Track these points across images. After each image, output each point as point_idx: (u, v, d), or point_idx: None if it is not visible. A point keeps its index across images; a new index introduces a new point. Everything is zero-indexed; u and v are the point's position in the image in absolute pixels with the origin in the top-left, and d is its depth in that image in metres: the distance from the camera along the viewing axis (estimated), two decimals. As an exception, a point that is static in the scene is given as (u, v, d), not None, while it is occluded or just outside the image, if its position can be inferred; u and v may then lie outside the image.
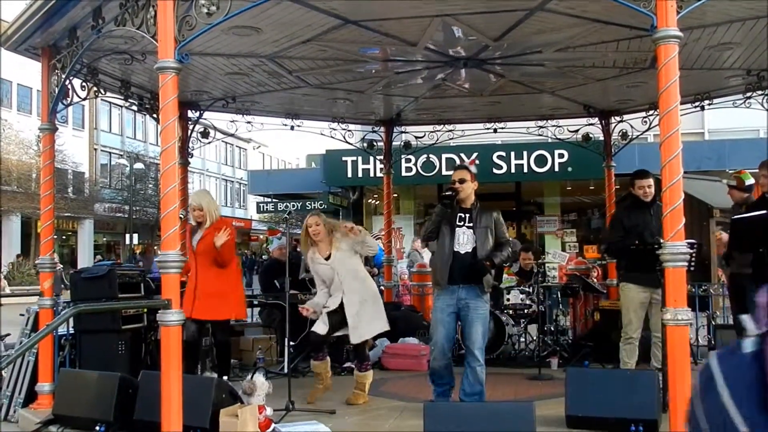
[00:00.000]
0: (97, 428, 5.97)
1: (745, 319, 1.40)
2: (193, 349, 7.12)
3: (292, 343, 7.52)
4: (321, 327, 7.07)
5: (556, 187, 22.27)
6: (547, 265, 13.60)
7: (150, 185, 44.69)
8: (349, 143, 12.06)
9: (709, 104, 10.22)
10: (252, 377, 6.01)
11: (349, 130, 11.80)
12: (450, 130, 12.09)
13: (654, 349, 7.31)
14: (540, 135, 12.26)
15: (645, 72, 8.68)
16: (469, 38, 7.62)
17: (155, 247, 25.74)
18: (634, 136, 11.34)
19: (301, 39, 7.45)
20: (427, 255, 12.64)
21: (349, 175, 20.98)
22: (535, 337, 9.84)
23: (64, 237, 42.02)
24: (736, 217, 6.66)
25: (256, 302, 10.73)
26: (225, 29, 6.71)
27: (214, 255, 7.34)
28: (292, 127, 11.31)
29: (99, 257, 38.71)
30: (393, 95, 10.47)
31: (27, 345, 6.08)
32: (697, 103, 10.12)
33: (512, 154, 19.65)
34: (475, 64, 8.50)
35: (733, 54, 8.16)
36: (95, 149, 45.78)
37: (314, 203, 23.34)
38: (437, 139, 12.22)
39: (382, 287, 12.14)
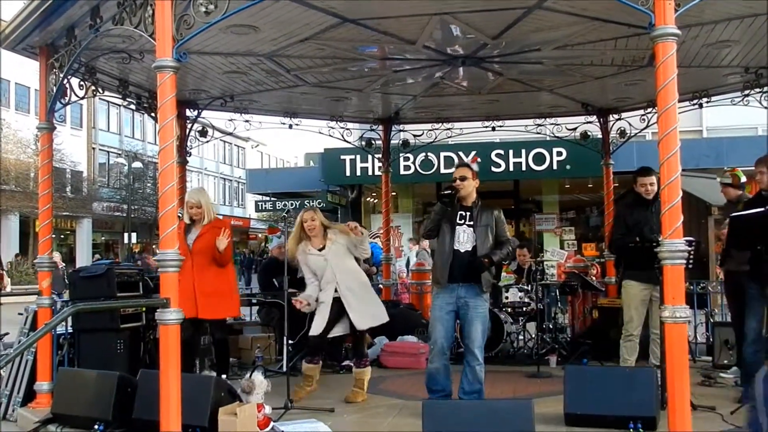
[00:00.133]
0: (96, 427, 5.96)
1: None
2: (190, 348, 7.12)
3: (290, 341, 7.52)
4: (318, 325, 7.06)
5: (554, 185, 22.28)
6: (545, 263, 13.60)
7: (148, 184, 44.69)
8: (347, 142, 12.06)
9: (708, 102, 10.23)
10: (251, 376, 6.00)
11: (347, 129, 11.80)
12: (448, 129, 12.10)
13: (653, 346, 7.32)
14: (538, 133, 12.25)
15: (643, 70, 8.69)
16: (468, 36, 7.62)
17: (153, 246, 25.75)
18: (632, 134, 11.35)
19: (300, 37, 7.45)
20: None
21: (348, 173, 20.98)
22: (533, 335, 9.85)
23: (62, 236, 42.01)
24: (734, 214, 6.66)
25: (254, 301, 10.72)
26: (223, 28, 6.71)
27: (214, 254, 7.35)
28: (290, 126, 11.32)
29: (97, 256, 38.64)
30: (391, 94, 10.47)
31: (26, 344, 6.06)
32: (695, 101, 10.13)
33: (511, 152, 19.66)
34: (474, 63, 8.50)
35: (731, 52, 8.16)
36: (93, 148, 45.75)
37: (313, 202, 23.33)
38: (435, 138, 12.23)
39: (380, 286, 12.16)
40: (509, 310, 9.94)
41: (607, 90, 10.11)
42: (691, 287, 9.39)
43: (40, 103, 7.42)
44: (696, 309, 9.55)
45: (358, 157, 20.21)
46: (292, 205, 24.57)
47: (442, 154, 19.67)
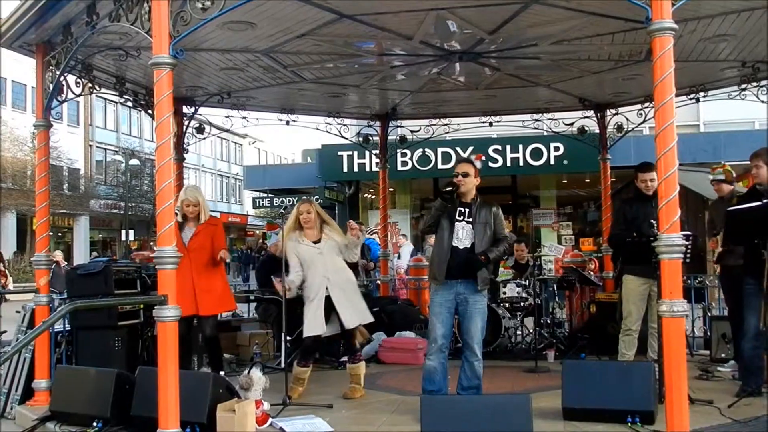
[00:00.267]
0: (94, 424, 5.96)
1: None
2: (187, 345, 7.13)
3: (288, 338, 7.52)
4: (313, 325, 7.04)
5: (551, 180, 22.31)
6: (543, 258, 13.60)
7: (145, 181, 44.65)
8: (344, 138, 12.06)
9: (705, 96, 10.23)
10: (249, 372, 6.02)
11: (344, 125, 11.79)
12: (446, 124, 12.09)
13: (651, 339, 7.32)
14: (535, 128, 12.27)
15: (640, 64, 8.69)
16: (465, 32, 7.62)
17: (151, 243, 25.74)
18: (629, 129, 11.35)
19: (296, 34, 7.44)
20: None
21: (345, 169, 20.98)
22: (531, 330, 9.87)
23: (59, 234, 41.96)
24: (732, 208, 6.65)
25: (252, 297, 10.73)
26: (219, 24, 6.71)
27: (210, 252, 7.49)
28: (287, 122, 11.33)
29: (95, 254, 38.63)
30: (388, 89, 10.47)
31: (23, 342, 6.09)
32: (692, 96, 10.13)
33: (508, 147, 19.67)
34: (471, 58, 8.50)
35: (728, 46, 8.16)
36: (90, 145, 45.70)
37: (310, 198, 23.30)
38: (433, 133, 12.22)
39: (378, 281, 12.17)
40: (507, 305, 9.94)
41: (605, 85, 10.12)
42: (689, 281, 9.40)
43: (36, 100, 7.41)
44: (693, 303, 9.57)
45: (356, 153, 20.20)
46: (289, 201, 24.57)
47: (440, 150, 19.67)
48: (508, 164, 19.81)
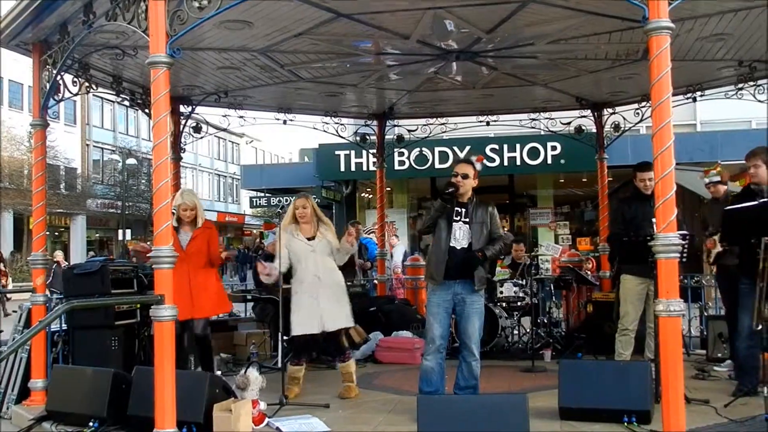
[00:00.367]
0: (91, 424, 5.95)
1: None
2: (180, 345, 7.15)
3: (285, 337, 7.51)
4: (303, 324, 7.06)
5: (549, 179, 22.31)
6: (540, 257, 13.61)
7: (142, 180, 44.64)
8: (341, 137, 12.06)
9: (701, 96, 10.23)
10: (245, 372, 6.01)
11: (341, 124, 11.79)
12: (443, 124, 12.09)
13: (648, 339, 7.33)
14: (533, 127, 12.26)
15: (637, 63, 8.69)
16: (462, 31, 7.61)
17: (148, 242, 25.72)
18: (626, 128, 11.35)
19: (293, 33, 7.44)
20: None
21: (342, 168, 20.97)
22: (528, 330, 9.87)
23: (56, 233, 41.89)
24: (728, 208, 6.65)
25: (249, 297, 10.72)
26: (216, 23, 6.70)
27: (207, 256, 7.60)
28: (284, 122, 11.33)
29: (92, 253, 38.60)
30: (385, 89, 10.47)
31: (20, 341, 6.07)
32: (689, 95, 10.15)
33: (505, 146, 19.67)
34: (468, 57, 8.50)
35: (725, 45, 8.17)
36: (87, 145, 45.67)
37: (307, 194, 23.25)
38: (430, 133, 12.22)
39: (375, 281, 12.17)
40: (504, 304, 9.95)
41: (602, 84, 10.12)
42: (685, 281, 9.41)
43: (33, 99, 7.40)
44: (690, 302, 9.58)
45: (353, 152, 20.19)
46: (286, 200, 24.53)
47: (437, 149, 19.67)
48: (506, 163, 19.80)
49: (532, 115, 11.86)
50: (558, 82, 9.95)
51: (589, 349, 9.12)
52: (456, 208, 6.43)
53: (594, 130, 11.48)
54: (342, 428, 6.07)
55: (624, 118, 11.26)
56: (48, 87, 7.07)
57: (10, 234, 37.84)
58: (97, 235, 47.74)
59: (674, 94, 5.75)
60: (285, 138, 58.79)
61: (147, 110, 9.01)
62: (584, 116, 11.50)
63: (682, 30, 7.24)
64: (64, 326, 7.78)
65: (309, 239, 7.22)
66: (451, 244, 6.36)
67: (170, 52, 5.24)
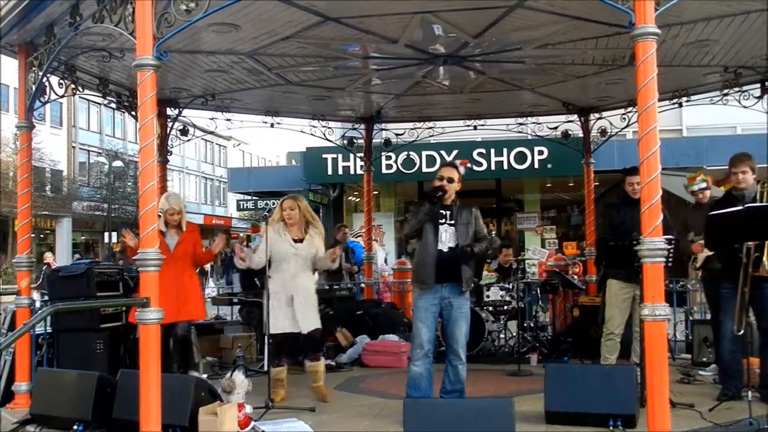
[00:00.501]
0: (75, 427, 5.92)
1: None
2: (165, 349, 7.14)
3: (271, 340, 7.49)
4: (278, 324, 7.08)
5: (535, 183, 22.35)
6: (526, 261, 13.65)
7: (129, 183, 44.37)
8: (329, 141, 12.05)
9: (687, 101, 10.30)
10: (231, 375, 5.99)
11: (329, 128, 11.79)
12: (430, 128, 12.11)
13: (634, 343, 7.37)
14: (520, 132, 12.30)
15: (623, 69, 8.73)
16: (449, 35, 7.63)
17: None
18: (613, 133, 11.42)
19: (281, 36, 7.43)
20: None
21: (330, 172, 20.95)
22: (514, 334, 9.88)
23: (42, 236, 41.65)
24: (712, 213, 6.69)
25: (235, 300, 10.69)
26: (204, 26, 6.69)
27: (193, 259, 7.70)
28: (272, 125, 11.31)
29: (77, 256, 38.38)
30: (373, 92, 10.47)
31: (4, 344, 6.02)
32: (675, 100, 10.21)
33: (492, 151, 19.69)
34: (455, 61, 8.52)
35: (711, 51, 8.22)
36: (73, 147, 45.39)
37: (297, 195, 23.21)
38: (417, 137, 12.24)
39: (362, 284, 12.16)
40: (490, 308, 9.96)
41: (588, 89, 10.16)
42: (671, 285, 9.45)
43: (19, 101, 7.37)
44: (675, 307, 9.61)
45: (340, 156, 20.18)
46: (273, 204, 24.47)
47: (424, 153, 19.68)
48: (493, 168, 19.82)
49: (520, 120, 11.90)
50: (545, 86, 9.98)
51: (575, 353, 9.14)
52: (441, 211, 6.43)
53: (581, 135, 11.52)
54: (328, 432, 6.07)
55: (610, 123, 11.32)
56: (34, 89, 7.03)
57: (-5, 236, 37.60)
58: (83, 237, 47.44)
59: (660, 100, 5.80)
60: (272, 141, 58.82)
61: (134, 113, 8.99)
62: (571, 121, 11.54)
63: (668, 36, 7.28)
64: (49, 329, 7.74)
65: (296, 241, 7.22)
66: (439, 247, 6.37)
67: (157, 55, 5.23)
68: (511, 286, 9.95)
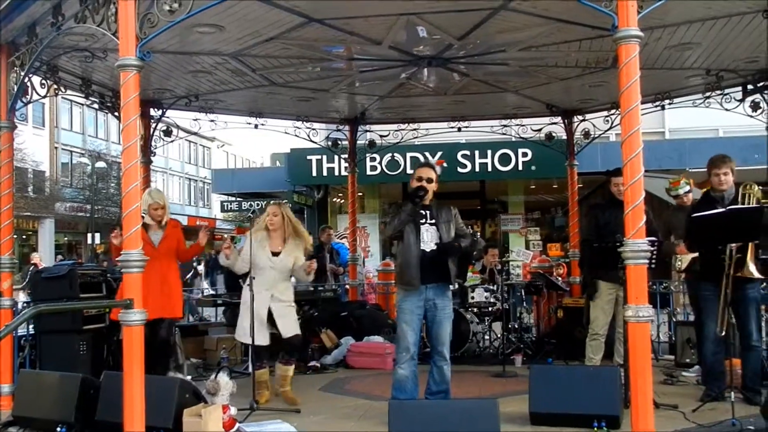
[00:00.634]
0: (58, 429, 5.88)
1: None
2: (149, 350, 7.12)
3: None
4: (243, 335, 7.17)
5: (519, 185, 22.38)
6: (511, 263, 13.68)
7: (112, 184, 44.12)
8: (313, 142, 12.04)
9: (670, 104, 10.35)
10: (216, 377, 5.97)
11: (313, 129, 11.78)
12: (414, 129, 12.13)
13: (617, 344, 7.39)
14: (504, 134, 12.31)
15: (607, 71, 8.77)
16: (433, 37, 7.64)
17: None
18: (596, 135, 11.45)
19: (265, 37, 7.42)
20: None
21: (314, 173, 20.90)
22: (499, 335, 9.90)
23: (24, 237, 41.37)
24: (695, 215, 6.72)
25: (220, 301, 10.65)
26: (188, 27, 6.65)
27: (176, 255, 7.64)
28: (256, 126, 11.28)
29: (60, 257, 38.17)
30: (357, 94, 10.47)
31: (-14, 346, 5.99)
32: (657, 103, 10.26)
33: (476, 152, 19.72)
34: (440, 63, 8.53)
35: (693, 54, 8.26)
36: (56, 147, 45.10)
37: (281, 201, 23.17)
38: (402, 138, 12.26)
39: (347, 286, 12.15)
40: (475, 310, 9.98)
41: (572, 91, 10.20)
42: (654, 287, 9.49)
43: (0, 102, 7.31)
44: (659, 308, 9.66)
45: (325, 157, 20.15)
46: (258, 205, 24.45)
47: (409, 155, 19.66)
48: (477, 170, 19.84)
49: (504, 122, 11.92)
50: (529, 89, 10.01)
51: (559, 354, 9.18)
52: (420, 211, 6.44)
53: (564, 137, 11.57)
54: (312, 433, 6.07)
55: (594, 126, 11.36)
56: (15, 89, 6.98)
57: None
58: (66, 238, 47.16)
59: (643, 102, 5.81)
60: (256, 142, 58.60)
61: (117, 113, 8.96)
62: (555, 123, 11.58)
63: (651, 38, 7.32)
64: (32, 330, 7.69)
65: (274, 254, 7.23)
66: (421, 247, 6.37)
67: (140, 55, 5.20)
68: (495, 288, 9.97)
